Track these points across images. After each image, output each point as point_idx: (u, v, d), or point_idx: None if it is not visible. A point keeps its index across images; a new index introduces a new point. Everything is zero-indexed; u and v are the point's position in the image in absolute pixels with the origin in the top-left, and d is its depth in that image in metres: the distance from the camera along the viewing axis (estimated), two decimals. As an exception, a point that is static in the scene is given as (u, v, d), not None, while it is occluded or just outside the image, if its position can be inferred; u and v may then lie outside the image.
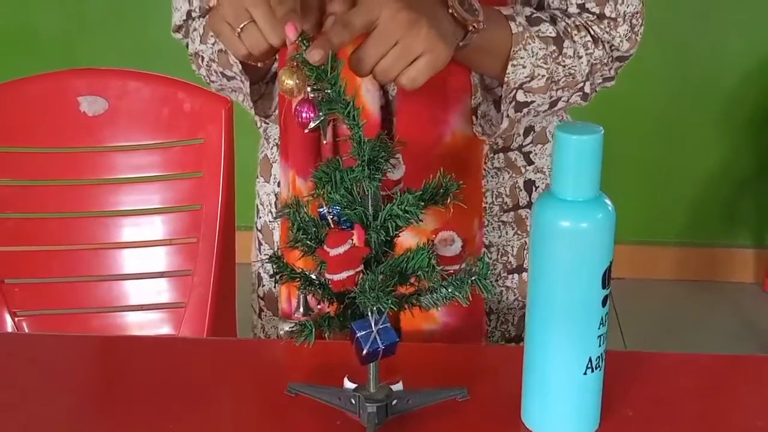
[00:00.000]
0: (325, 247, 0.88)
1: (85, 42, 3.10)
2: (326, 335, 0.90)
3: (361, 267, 0.87)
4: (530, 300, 0.93)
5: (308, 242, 0.90)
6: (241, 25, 0.95)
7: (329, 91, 0.87)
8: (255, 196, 1.34)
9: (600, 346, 0.91)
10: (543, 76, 1.09)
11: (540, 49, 1.08)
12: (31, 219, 1.67)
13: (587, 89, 1.14)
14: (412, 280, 0.90)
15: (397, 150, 0.89)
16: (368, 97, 1.11)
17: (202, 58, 1.19)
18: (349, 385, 0.95)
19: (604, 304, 0.90)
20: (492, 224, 1.22)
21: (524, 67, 1.08)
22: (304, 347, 0.88)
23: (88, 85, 1.62)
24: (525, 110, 1.12)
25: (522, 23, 1.08)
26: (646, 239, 3.17)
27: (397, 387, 0.94)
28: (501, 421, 0.97)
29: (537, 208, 0.90)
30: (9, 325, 1.62)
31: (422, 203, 0.89)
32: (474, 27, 1.01)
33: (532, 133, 1.22)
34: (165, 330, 1.65)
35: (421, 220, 0.89)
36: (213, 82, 1.22)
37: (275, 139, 1.27)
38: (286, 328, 1.11)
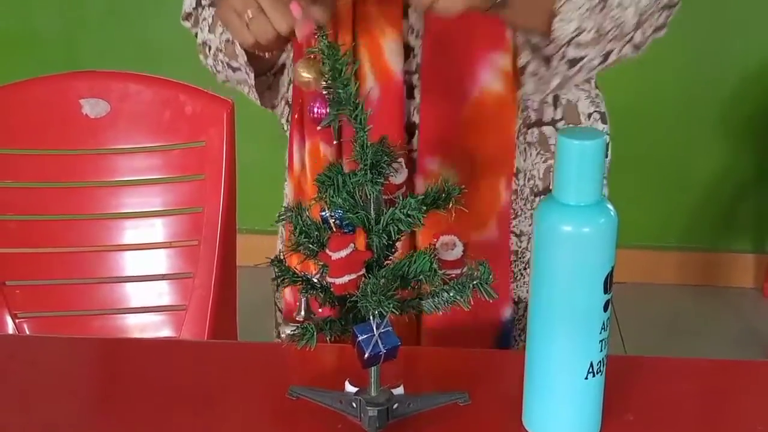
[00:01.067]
0: (327, 250, 0.88)
1: (85, 43, 3.09)
2: (328, 339, 0.90)
3: (363, 271, 0.87)
4: (532, 304, 0.93)
5: (310, 246, 0.90)
6: (250, 14, 0.95)
7: (340, 91, 0.87)
8: (282, 198, 1.31)
9: (601, 350, 0.91)
10: (591, 29, 1.08)
11: (585, 1, 1.07)
12: (33, 221, 1.67)
13: (637, 39, 1.13)
14: (414, 284, 0.90)
15: (400, 154, 0.89)
16: (392, 57, 1.10)
17: (210, 48, 1.19)
18: (350, 388, 0.95)
19: (605, 308, 0.90)
20: (522, 208, 1.20)
21: (571, 21, 1.07)
22: (305, 350, 0.88)
23: (89, 87, 1.61)
24: (579, 65, 1.11)
25: None
26: (647, 244, 3.16)
27: (399, 391, 0.94)
28: (502, 425, 0.97)
29: (539, 213, 0.90)
30: (10, 327, 1.62)
31: (424, 207, 0.89)
32: None
33: (559, 104, 1.21)
34: (166, 332, 1.64)
35: (423, 224, 0.89)
36: (219, 72, 1.21)
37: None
38: (288, 331, 1.11)
